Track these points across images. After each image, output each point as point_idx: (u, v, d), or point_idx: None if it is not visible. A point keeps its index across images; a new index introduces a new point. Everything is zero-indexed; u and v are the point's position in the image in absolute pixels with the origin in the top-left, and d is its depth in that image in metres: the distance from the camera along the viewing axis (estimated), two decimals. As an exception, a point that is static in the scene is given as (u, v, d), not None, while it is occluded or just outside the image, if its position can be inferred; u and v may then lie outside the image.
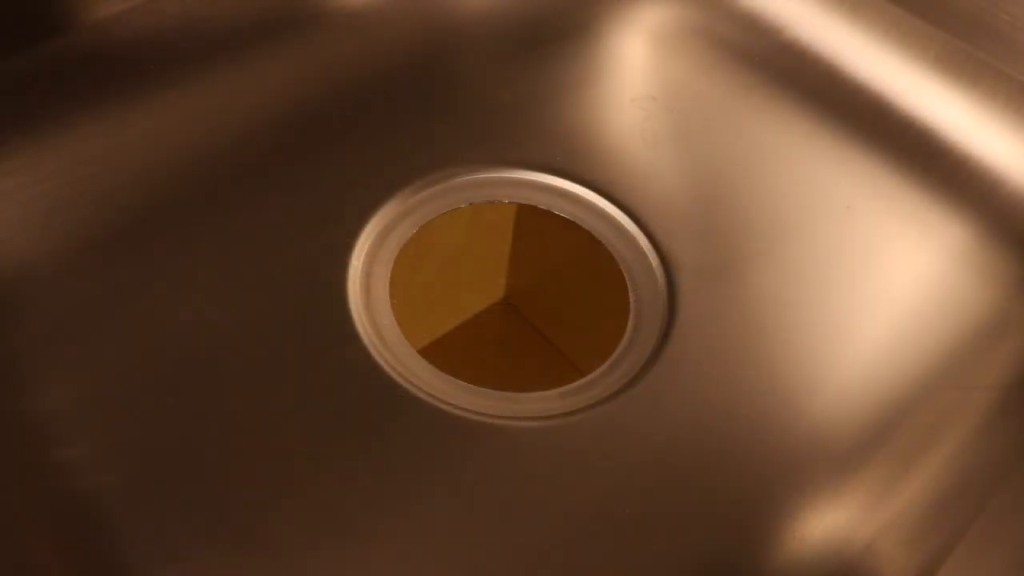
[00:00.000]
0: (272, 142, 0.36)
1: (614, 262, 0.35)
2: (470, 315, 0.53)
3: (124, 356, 0.30)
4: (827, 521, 0.28)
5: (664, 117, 0.40)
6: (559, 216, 0.36)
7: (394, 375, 0.30)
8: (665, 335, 0.32)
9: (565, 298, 0.51)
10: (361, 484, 0.28)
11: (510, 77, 0.40)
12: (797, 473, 0.29)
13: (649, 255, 0.34)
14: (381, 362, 0.31)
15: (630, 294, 0.34)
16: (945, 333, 0.33)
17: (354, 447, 0.29)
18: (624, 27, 0.43)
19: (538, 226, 0.49)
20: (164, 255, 0.32)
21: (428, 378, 0.31)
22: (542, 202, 0.36)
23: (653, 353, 0.32)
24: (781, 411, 0.30)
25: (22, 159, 0.34)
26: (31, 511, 0.26)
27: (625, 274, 0.34)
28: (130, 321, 0.31)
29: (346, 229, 0.34)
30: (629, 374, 0.32)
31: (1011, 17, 0.37)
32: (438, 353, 0.32)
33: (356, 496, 0.28)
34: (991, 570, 0.28)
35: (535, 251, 0.51)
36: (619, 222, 0.35)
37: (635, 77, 0.41)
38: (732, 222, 0.35)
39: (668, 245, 0.35)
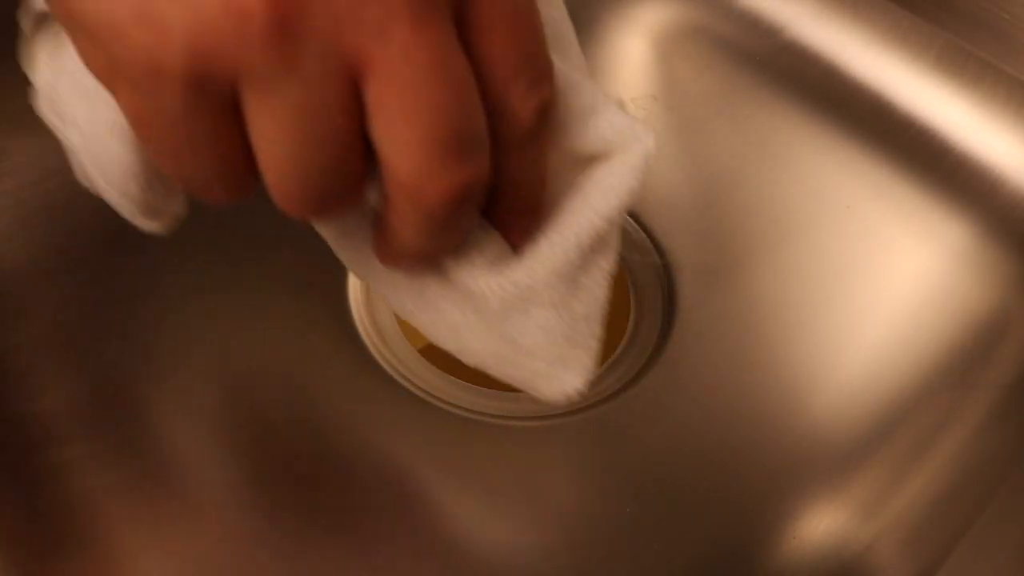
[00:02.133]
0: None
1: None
2: (470, 315, 0.53)
3: (124, 356, 0.30)
4: (827, 521, 0.28)
5: (664, 117, 0.40)
6: (559, 216, 0.36)
7: (395, 375, 0.30)
8: (665, 335, 0.32)
9: (565, 298, 0.51)
10: (361, 483, 0.28)
11: (510, 77, 0.40)
12: (797, 473, 0.29)
13: (649, 255, 0.34)
14: (382, 362, 0.31)
15: (630, 294, 0.34)
16: (945, 333, 0.33)
17: (354, 447, 0.29)
18: (624, 27, 0.43)
19: (538, 226, 0.49)
20: (163, 255, 0.32)
21: (428, 378, 0.31)
22: (542, 202, 0.36)
23: (653, 353, 0.32)
24: (781, 411, 0.30)
25: (22, 159, 0.34)
26: (31, 511, 0.26)
27: (625, 274, 0.34)
28: (130, 321, 0.31)
29: (346, 229, 0.34)
30: (629, 374, 0.32)
31: (1011, 17, 0.37)
32: (438, 353, 0.32)
33: (356, 495, 0.28)
34: (991, 570, 0.28)
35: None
36: (619, 222, 0.35)
37: (635, 77, 0.41)
38: (732, 222, 0.35)
39: (668, 245, 0.35)
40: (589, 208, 0.21)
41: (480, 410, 0.30)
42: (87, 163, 0.23)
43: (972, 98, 0.39)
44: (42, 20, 0.23)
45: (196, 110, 0.18)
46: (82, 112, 0.22)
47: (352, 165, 0.19)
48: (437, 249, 0.21)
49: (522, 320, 0.22)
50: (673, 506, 0.28)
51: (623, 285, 0.34)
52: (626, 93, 0.40)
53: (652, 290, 0.34)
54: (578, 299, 0.22)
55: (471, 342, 0.23)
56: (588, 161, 0.21)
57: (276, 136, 0.18)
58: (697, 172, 0.38)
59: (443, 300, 0.23)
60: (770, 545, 0.28)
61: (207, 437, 0.28)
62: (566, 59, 0.22)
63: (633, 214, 0.35)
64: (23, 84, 0.34)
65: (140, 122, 0.19)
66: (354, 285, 0.32)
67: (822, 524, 0.28)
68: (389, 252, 0.22)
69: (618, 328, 0.33)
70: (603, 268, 0.22)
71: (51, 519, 0.26)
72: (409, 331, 0.32)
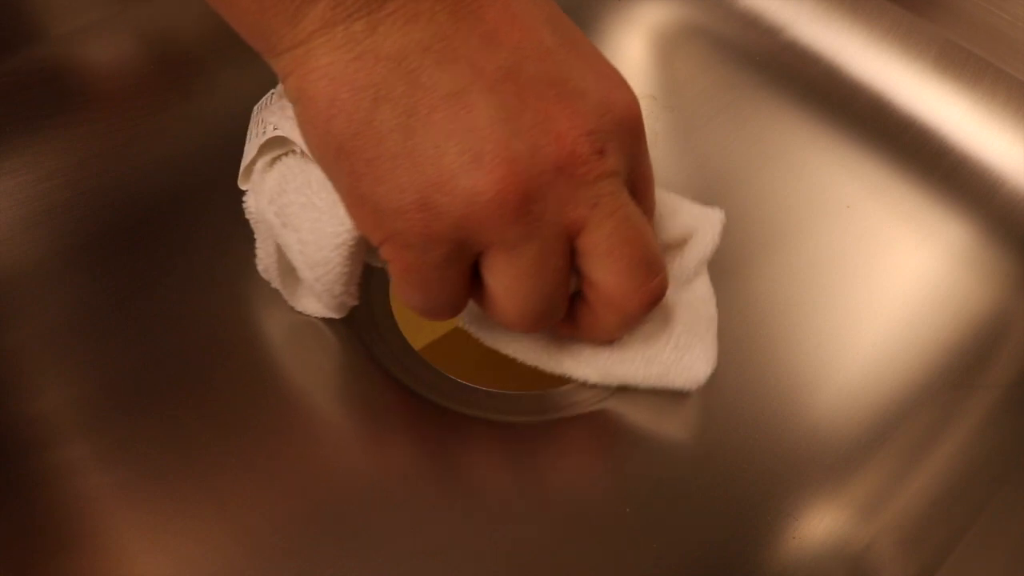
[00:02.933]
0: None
1: (614, 262, 0.35)
2: (470, 315, 0.53)
3: (124, 355, 0.30)
4: (827, 521, 0.28)
5: (664, 116, 0.40)
6: (559, 216, 0.36)
7: (395, 375, 0.30)
8: (665, 335, 0.32)
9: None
10: (361, 484, 0.28)
11: (510, 77, 0.40)
12: (797, 473, 0.29)
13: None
14: (383, 359, 0.31)
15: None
16: (945, 333, 0.33)
17: (354, 447, 0.29)
18: (624, 27, 0.43)
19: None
20: (164, 254, 0.32)
21: (428, 378, 0.31)
22: (542, 202, 0.36)
23: (653, 353, 0.32)
24: (781, 411, 0.30)
25: (22, 159, 0.34)
26: (31, 511, 0.26)
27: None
28: (130, 321, 0.31)
29: (346, 229, 0.34)
30: (629, 374, 0.31)
31: (1011, 17, 0.37)
32: (438, 353, 0.32)
33: (357, 496, 0.28)
34: (991, 570, 0.28)
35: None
36: (619, 222, 0.35)
37: (635, 77, 0.41)
38: (732, 222, 0.35)
39: (668, 245, 0.35)
40: (689, 251, 0.30)
41: (480, 409, 0.30)
42: (299, 261, 0.28)
43: (972, 98, 0.39)
44: (275, 142, 0.28)
45: (452, 263, 0.24)
46: (307, 223, 0.27)
47: (565, 292, 0.26)
48: (621, 335, 0.29)
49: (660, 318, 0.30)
50: (672, 506, 0.28)
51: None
52: (626, 93, 0.40)
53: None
54: (694, 305, 0.30)
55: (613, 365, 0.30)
56: (684, 242, 0.30)
57: (516, 283, 0.24)
58: (697, 172, 0.38)
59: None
60: (770, 545, 0.28)
61: (208, 437, 0.28)
62: None
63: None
64: (23, 83, 0.35)
65: (404, 269, 0.24)
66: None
67: (822, 524, 0.28)
68: (572, 334, 0.29)
69: (618, 328, 0.33)
70: (700, 289, 0.31)
71: (51, 519, 0.26)
72: (409, 331, 0.32)
